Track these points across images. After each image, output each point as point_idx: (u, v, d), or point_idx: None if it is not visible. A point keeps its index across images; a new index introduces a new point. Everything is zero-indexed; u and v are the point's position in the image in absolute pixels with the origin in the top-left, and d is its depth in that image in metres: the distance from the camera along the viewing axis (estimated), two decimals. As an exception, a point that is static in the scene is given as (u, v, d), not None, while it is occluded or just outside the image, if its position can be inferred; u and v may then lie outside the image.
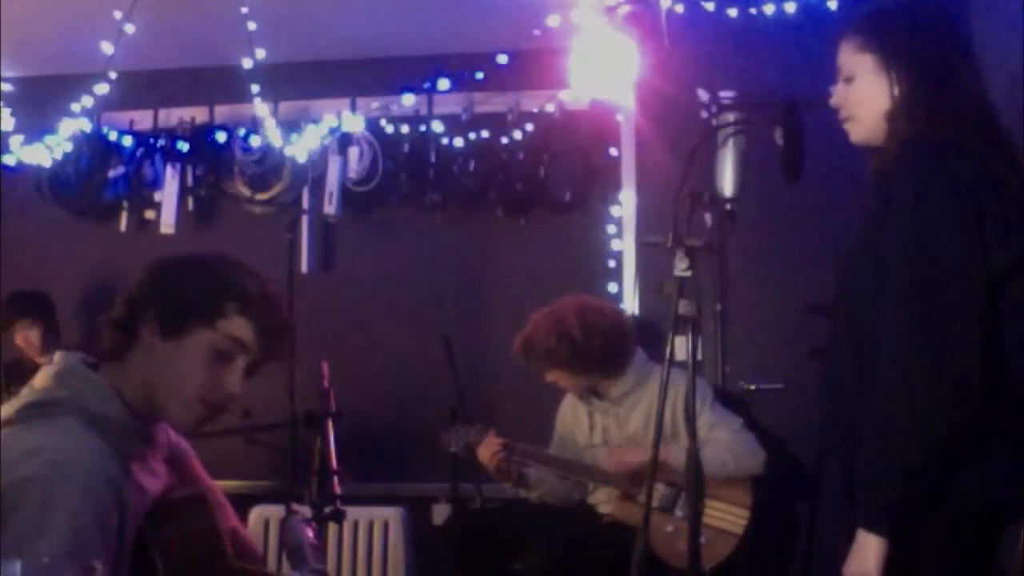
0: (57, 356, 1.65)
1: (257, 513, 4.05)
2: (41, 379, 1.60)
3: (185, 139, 4.40)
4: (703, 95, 2.63)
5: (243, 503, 3.77)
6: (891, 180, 1.73)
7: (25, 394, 1.59)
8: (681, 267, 2.22)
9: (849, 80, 1.87)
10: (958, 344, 1.60)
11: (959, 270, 1.63)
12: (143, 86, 4.43)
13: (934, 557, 1.68)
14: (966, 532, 1.69)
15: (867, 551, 1.64)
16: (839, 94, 1.89)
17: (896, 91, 1.80)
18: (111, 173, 4.43)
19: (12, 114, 4.37)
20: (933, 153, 1.71)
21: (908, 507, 1.63)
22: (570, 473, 3.36)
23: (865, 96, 1.84)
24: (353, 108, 4.31)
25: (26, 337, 4.14)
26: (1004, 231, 1.65)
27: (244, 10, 3.76)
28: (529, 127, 4.16)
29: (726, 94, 2.48)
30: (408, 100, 4.22)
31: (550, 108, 4.14)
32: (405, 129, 4.25)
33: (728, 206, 2.41)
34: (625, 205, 4.08)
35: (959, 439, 1.62)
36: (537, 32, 3.79)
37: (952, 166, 1.68)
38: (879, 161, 1.83)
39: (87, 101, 4.11)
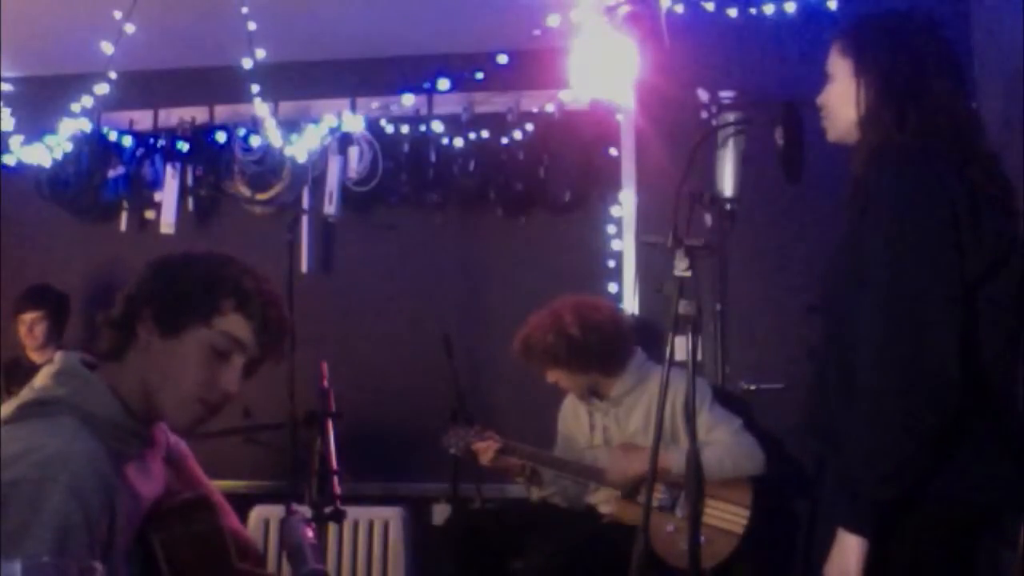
0: (57, 356, 1.64)
1: (257, 513, 4.05)
2: (41, 378, 1.60)
3: (185, 139, 4.41)
4: (703, 95, 2.64)
5: (243, 503, 3.77)
6: (867, 187, 1.75)
7: (24, 393, 1.59)
8: (681, 267, 2.22)
9: (831, 80, 1.91)
10: (936, 347, 1.62)
11: (935, 274, 1.64)
12: (143, 86, 4.43)
13: (914, 557, 1.70)
14: (946, 532, 1.71)
15: (848, 551, 1.66)
16: (824, 92, 1.93)
17: (862, 99, 1.83)
18: (111, 173, 4.43)
19: (12, 114, 4.37)
20: (906, 160, 1.73)
21: (889, 508, 1.65)
22: (570, 474, 3.36)
23: (839, 99, 1.89)
24: (353, 108, 4.31)
25: (30, 328, 4.15)
26: (978, 236, 1.67)
27: (244, 10, 3.76)
28: (529, 127, 4.16)
29: (726, 94, 2.48)
30: (408, 100, 4.23)
31: (550, 108, 4.14)
32: (405, 129, 4.25)
33: (728, 206, 2.41)
34: (625, 205, 4.08)
35: (938, 441, 1.63)
36: (537, 32, 3.78)
37: (925, 172, 1.70)
38: (855, 167, 1.85)
39: (87, 101, 4.12)
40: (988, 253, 1.68)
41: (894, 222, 1.68)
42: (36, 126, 4.33)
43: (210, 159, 4.41)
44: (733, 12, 3.86)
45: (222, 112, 4.44)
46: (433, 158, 4.22)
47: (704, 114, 3.14)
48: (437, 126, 4.22)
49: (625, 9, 3.69)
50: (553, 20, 3.79)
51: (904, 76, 1.80)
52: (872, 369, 1.66)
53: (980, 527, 1.76)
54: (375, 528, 4.10)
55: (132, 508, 1.61)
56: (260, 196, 4.36)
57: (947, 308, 1.63)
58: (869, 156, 1.80)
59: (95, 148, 4.43)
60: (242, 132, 4.32)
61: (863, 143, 1.83)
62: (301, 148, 4.22)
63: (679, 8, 3.82)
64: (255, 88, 4.02)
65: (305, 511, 2.17)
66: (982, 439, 1.69)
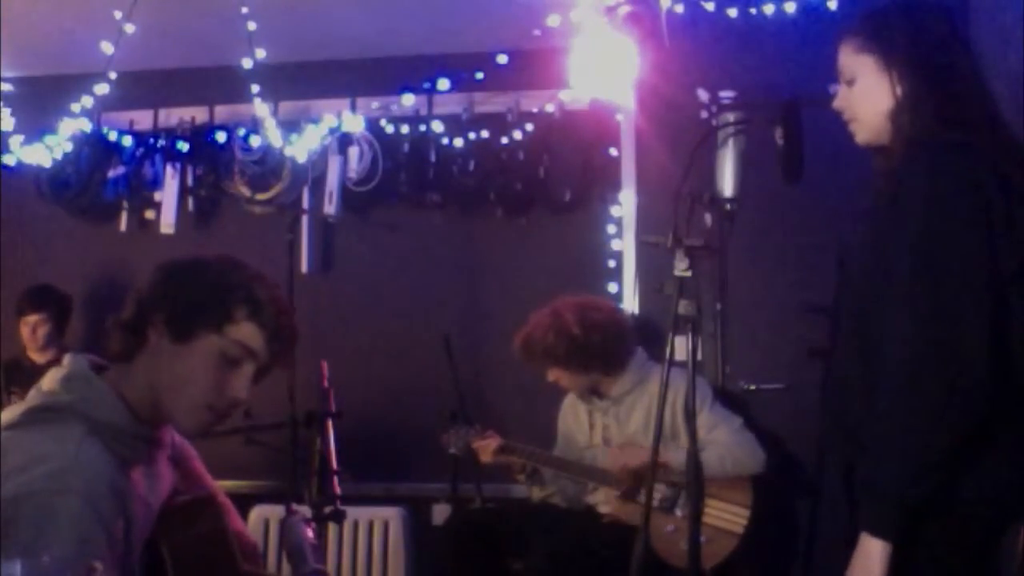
0: (66, 359, 1.64)
1: (257, 513, 4.05)
2: (48, 382, 1.60)
3: (185, 139, 4.40)
4: (703, 95, 2.64)
5: (243, 503, 3.77)
6: (899, 180, 1.71)
7: (32, 397, 1.58)
8: (681, 267, 2.22)
9: (851, 82, 1.85)
10: (966, 347, 1.58)
11: (967, 271, 1.61)
12: (143, 86, 4.42)
13: (939, 561, 1.67)
14: (972, 536, 1.67)
15: (872, 556, 1.62)
16: (842, 96, 1.88)
17: (898, 91, 1.77)
18: (111, 173, 4.43)
19: (12, 114, 4.37)
20: (942, 153, 1.68)
21: (914, 511, 1.61)
22: (570, 473, 3.36)
23: (867, 97, 1.82)
24: (353, 108, 4.31)
25: (34, 330, 4.16)
26: (1012, 233, 1.63)
27: (244, 10, 3.75)
28: (529, 127, 4.15)
29: (726, 94, 2.49)
30: (408, 100, 4.22)
31: (550, 108, 4.14)
32: (405, 129, 4.25)
33: (728, 206, 2.41)
34: (625, 205, 4.08)
35: (966, 442, 1.60)
36: (537, 32, 3.78)
37: (961, 166, 1.66)
38: (886, 162, 1.81)
39: (87, 101, 4.11)
40: (1021, 250, 1.64)
41: (926, 218, 1.64)
42: (36, 126, 4.32)
43: (210, 159, 4.40)
44: (733, 12, 3.86)
45: (222, 112, 4.44)
46: (433, 158, 4.22)
47: (704, 114, 3.14)
48: (437, 126, 4.22)
49: (625, 9, 3.68)
50: (553, 20, 3.78)
51: (936, 61, 1.76)
52: (900, 367, 1.62)
53: (1007, 529, 1.73)
54: (375, 528, 4.10)
55: (144, 512, 1.62)
56: (260, 196, 4.36)
57: (978, 306, 1.59)
58: (905, 148, 1.74)
59: (95, 148, 4.42)
60: (242, 132, 4.31)
61: (898, 136, 1.78)
62: (301, 148, 4.21)
63: (679, 8, 3.82)
64: (255, 88, 4.01)
65: (305, 511, 2.17)
66: (1011, 439, 1.66)
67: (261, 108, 4.10)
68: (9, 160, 4.34)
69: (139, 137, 4.46)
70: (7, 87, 4.46)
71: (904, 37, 1.80)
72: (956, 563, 1.67)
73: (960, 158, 1.67)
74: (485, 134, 4.19)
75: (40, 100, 4.40)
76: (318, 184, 4.33)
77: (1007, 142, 1.74)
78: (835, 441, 1.86)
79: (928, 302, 1.61)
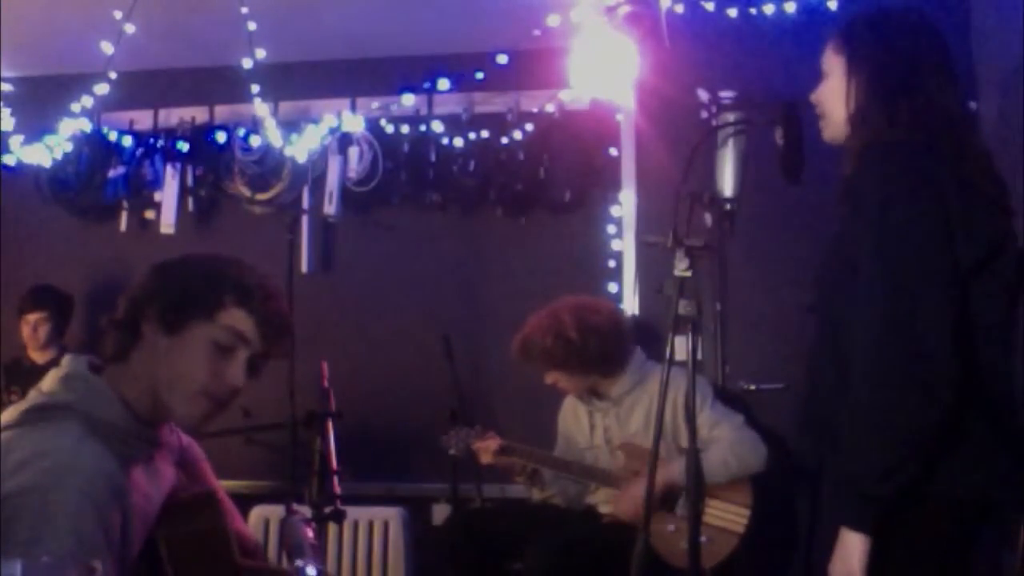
0: (64, 360, 1.65)
1: (257, 513, 4.04)
2: (49, 382, 1.61)
3: (185, 139, 4.41)
4: (703, 95, 2.63)
5: (243, 503, 3.75)
6: (855, 184, 1.75)
7: (32, 397, 1.60)
8: (681, 267, 2.22)
9: (826, 78, 1.91)
10: (930, 343, 1.61)
11: (927, 269, 1.64)
12: (143, 86, 4.43)
13: (917, 555, 1.70)
14: (948, 529, 1.70)
15: (850, 549, 1.65)
16: (819, 91, 1.93)
17: (854, 97, 1.83)
18: (111, 173, 4.43)
19: (12, 114, 4.37)
20: (894, 155, 1.73)
21: (889, 504, 1.64)
22: (570, 474, 3.36)
23: (832, 96, 1.88)
24: (353, 108, 4.31)
25: (35, 328, 4.18)
26: (970, 231, 1.67)
27: (244, 10, 3.75)
28: (529, 127, 4.16)
29: (726, 94, 2.48)
30: (408, 100, 4.22)
31: (550, 108, 4.14)
32: (405, 129, 4.25)
33: (728, 206, 2.41)
34: (625, 205, 4.08)
35: (935, 436, 1.63)
36: (537, 32, 3.78)
37: (914, 167, 1.70)
38: (845, 165, 1.85)
39: (87, 101, 4.11)
40: (980, 248, 1.68)
41: (884, 219, 1.67)
42: (36, 126, 4.32)
43: (210, 159, 4.41)
44: (733, 12, 3.86)
45: (222, 112, 4.44)
46: (433, 158, 4.22)
47: (704, 114, 3.14)
48: (437, 126, 4.22)
49: (625, 9, 3.68)
50: (553, 20, 3.78)
51: (895, 74, 1.80)
52: (867, 366, 1.66)
53: (981, 524, 1.76)
54: (375, 528, 4.09)
55: (143, 511, 1.62)
56: (260, 196, 4.36)
57: (940, 302, 1.63)
58: (858, 154, 1.79)
59: (95, 148, 4.43)
60: (242, 132, 4.32)
61: (852, 141, 1.84)
62: (301, 148, 4.21)
63: (679, 8, 3.82)
64: (255, 88, 4.01)
65: (305, 511, 2.17)
66: (980, 435, 1.69)
67: (261, 108, 4.10)
68: (9, 160, 4.35)
69: (139, 137, 4.47)
70: (7, 87, 4.46)
71: (869, 47, 1.85)
72: (933, 556, 1.70)
73: (914, 158, 1.71)
74: (485, 134, 4.19)
75: (40, 100, 4.40)
76: (318, 184, 4.33)
77: (969, 148, 1.77)
78: (810, 439, 1.89)
79: (890, 300, 1.65)
